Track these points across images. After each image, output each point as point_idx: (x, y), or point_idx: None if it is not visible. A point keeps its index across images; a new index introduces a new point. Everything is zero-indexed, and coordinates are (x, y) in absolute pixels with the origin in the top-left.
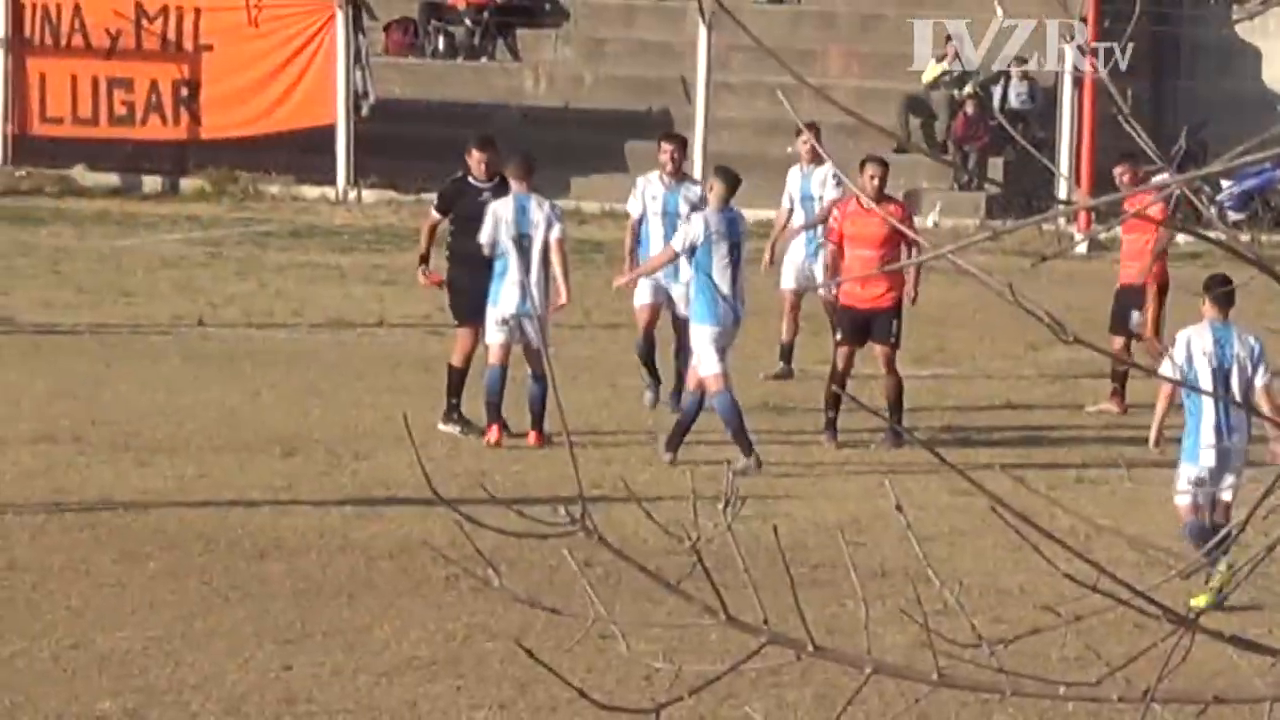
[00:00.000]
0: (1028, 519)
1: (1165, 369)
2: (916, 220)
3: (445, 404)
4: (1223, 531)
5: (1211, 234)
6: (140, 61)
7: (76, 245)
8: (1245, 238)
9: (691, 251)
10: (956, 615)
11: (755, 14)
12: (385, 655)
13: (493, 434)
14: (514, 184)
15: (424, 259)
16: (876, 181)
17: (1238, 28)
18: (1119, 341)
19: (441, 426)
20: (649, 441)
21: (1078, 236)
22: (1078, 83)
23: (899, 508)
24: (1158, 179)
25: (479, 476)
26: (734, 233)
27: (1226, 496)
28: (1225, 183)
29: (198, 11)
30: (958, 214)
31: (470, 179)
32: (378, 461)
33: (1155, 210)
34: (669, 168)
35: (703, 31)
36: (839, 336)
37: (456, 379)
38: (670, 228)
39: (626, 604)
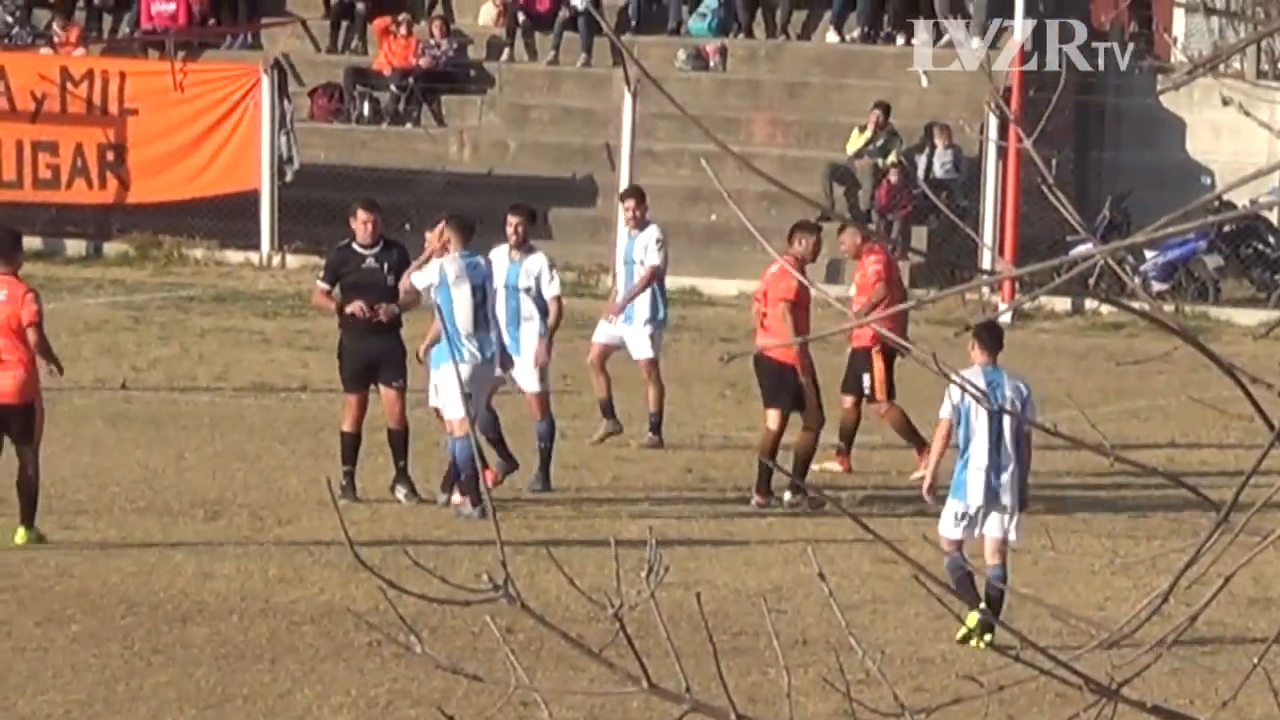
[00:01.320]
0: (949, 588)
1: (945, 411)
2: (837, 289)
3: (341, 473)
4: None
5: (1135, 304)
6: (65, 125)
7: None
8: (1169, 308)
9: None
10: (879, 684)
11: (680, 82)
12: None
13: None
14: (460, 244)
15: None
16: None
17: (1162, 98)
18: (849, 400)
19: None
20: (575, 506)
21: (1002, 306)
22: (1001, 152)
23: (821, 575)
24: (1081, 249)
25: (402, 541)
26: (476, 276)
27: (997, 534)
28: (1149, 253)
29: (123, 75)
30: None
31: (354, 245)
32: (301, 526)
33: (873, 271)
34: (513, 240)
35: (628, 99)
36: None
37: (350, 444)
38: (512, 299)
39: (549, 671)
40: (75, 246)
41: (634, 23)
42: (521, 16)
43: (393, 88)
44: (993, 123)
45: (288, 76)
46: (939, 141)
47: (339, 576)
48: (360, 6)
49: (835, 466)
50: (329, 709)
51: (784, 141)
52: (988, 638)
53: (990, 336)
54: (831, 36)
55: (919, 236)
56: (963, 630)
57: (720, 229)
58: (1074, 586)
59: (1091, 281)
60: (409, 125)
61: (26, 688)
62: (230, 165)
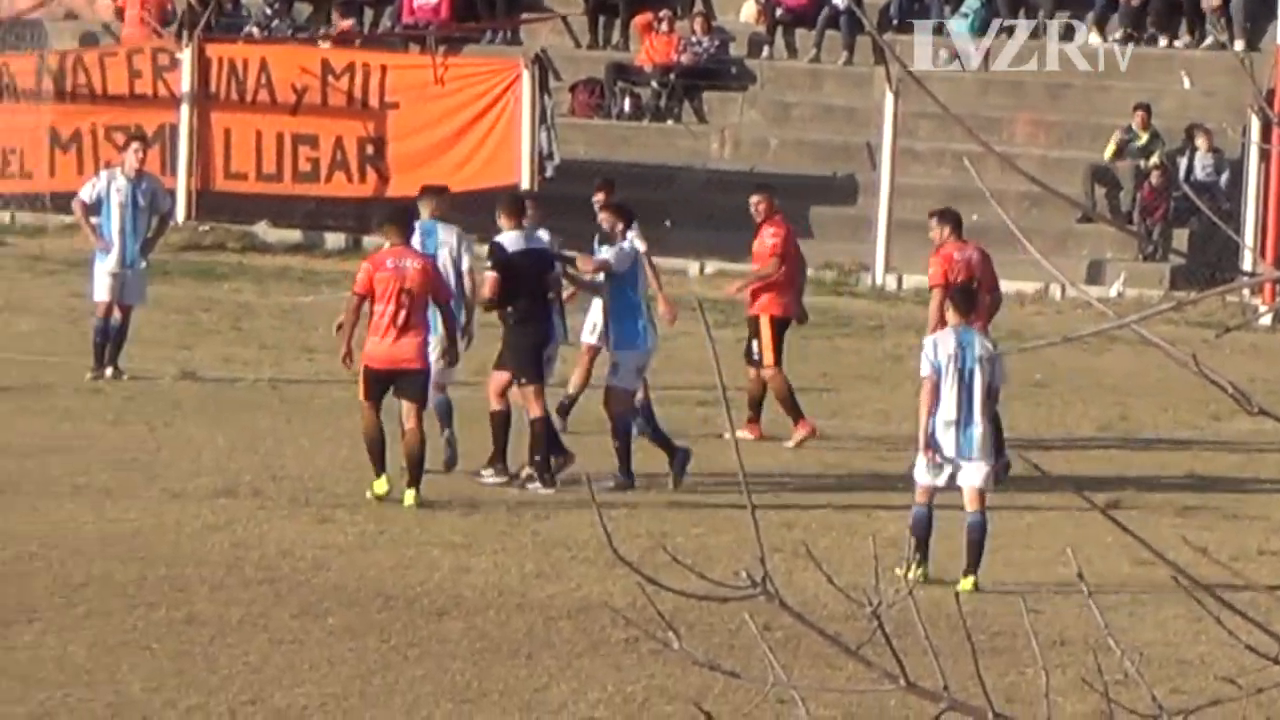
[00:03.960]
0: (1209, 590)
1: (925, 370)
2: (1098, 290)
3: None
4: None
5: None
6: (326, 118)
7: (258, 301)
8: None
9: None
10: (1136, 685)
11: (942, 81)
12: (562, 715)
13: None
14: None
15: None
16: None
17: None
18: (751, 371)
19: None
20: (834, 505)
21: (1262, 309)
22: (1264, 155)
23: (1080, 576)
24: None
25: (660, 538)
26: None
27: (975, 483)
28: None
29: (384, 69)
30: (1142, 284)
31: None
32: (559, 521)
33: (770, 245)
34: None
35: (889, 97)
36: None
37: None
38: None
39: (806, 668)
40: (334, 239)
41: (895, 21)
42: (782, 13)
43: (654, 84)
44: (1255, 125)
45: (548, 72)
46: (1200, 143)
47: (596, 572)
48: (621, 2)
49: (748, 435)
50: (585, 704)
51: (1045, 142)
52: (920, 571)
53: (963, 299)
54: (1094, 38)
55: (1180, 238)
56: (914, 572)
57: (981, 229)
58: None
59: None
60: (670, 122)
61: (282, 680)
62: (490, 160)
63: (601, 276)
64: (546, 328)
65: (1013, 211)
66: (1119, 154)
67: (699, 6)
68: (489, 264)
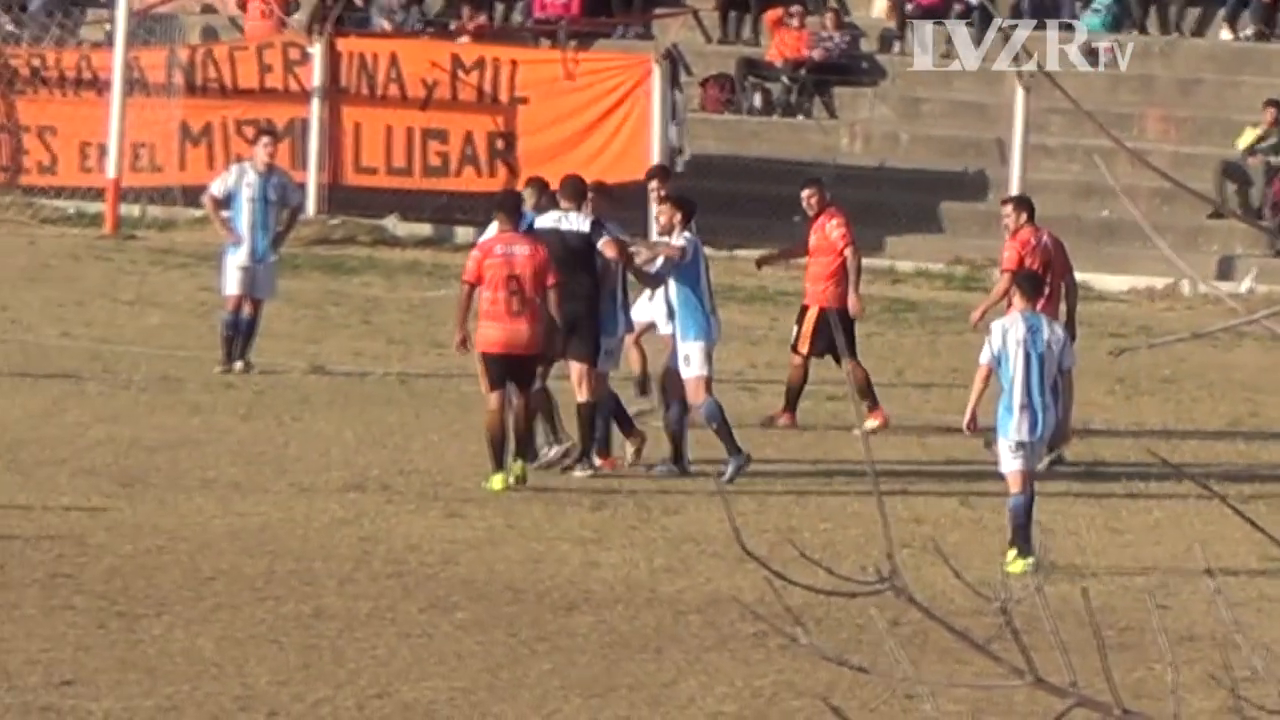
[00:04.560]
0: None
1: (984, 357)
2: (1228, 285)
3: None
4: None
5: None
6: (456, 113)
7: (387, 295)
8: None
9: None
10: (1264, 682)
11: (1073, 77)
12: (691, 710)
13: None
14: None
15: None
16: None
17: None
18: (848, 364)
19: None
20: (962, 500)
21: None
22: None
23: (1209, 571)
24: None
25: (788, 533)
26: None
27: (1032, 466)
28: None
29: (514, 64)
30: (1273, 280)
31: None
32: (688, 516)
33: (839, 235)
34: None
35: (1020, 93)
36: None
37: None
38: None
39: (934, 664)
40: (464, 233)
41: (1027, 17)
42: (913, 8)
43: (785, 79)
44: None
45: (679, 67)
46: None
47: (725, 566)
48: None
49: (874, 422)
50: (713, 699)
51: (1176, 138)
52: (1028, 561)
53: (1031, 284)
54: (1225, 34)
55: None
56: (1017, 566)
57: (1112, 225)
58: None
59: None
60: (800, 117)
61: (410, 674)
62: (621, 155)
63: (659, 265)
64: (570, 307)
65: (1143, 207)
66: (1251, 150)
67: (831, 2)
68: None
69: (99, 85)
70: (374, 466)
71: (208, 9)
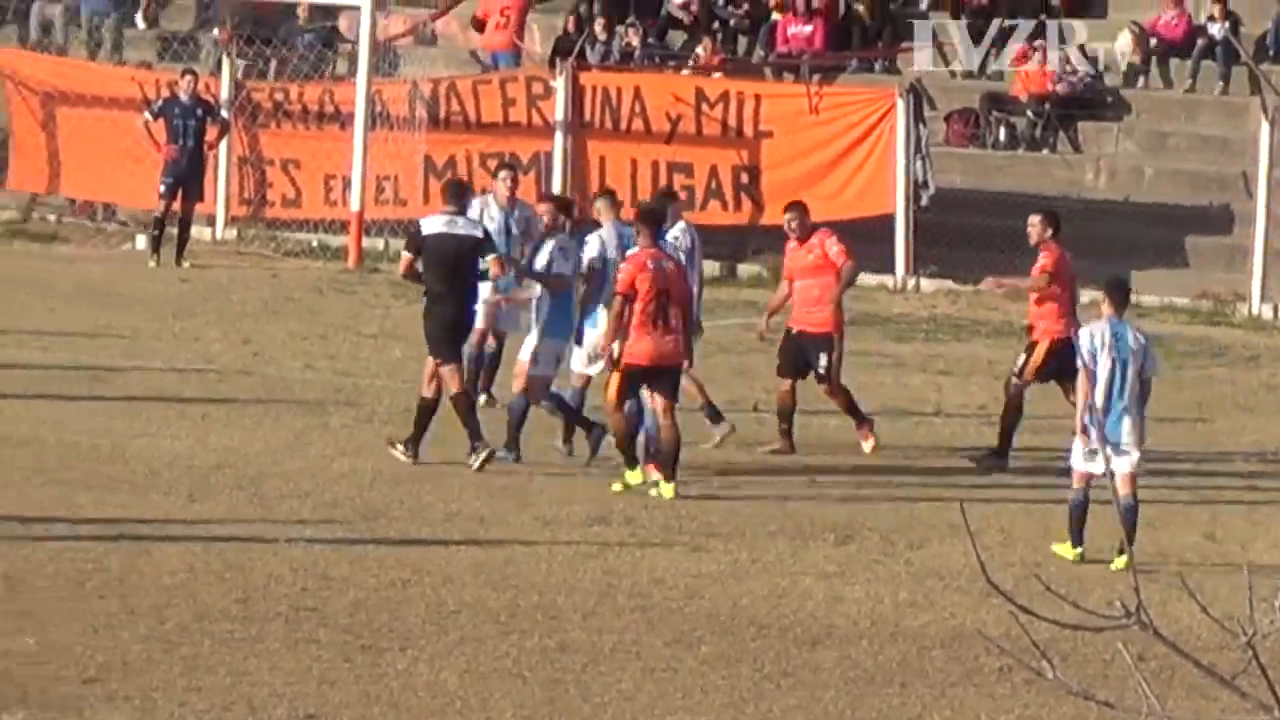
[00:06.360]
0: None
1: (1079, 360)
2: None
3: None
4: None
5: None
6: (700, 147)
7: None
8: None
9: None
10: None
11: None
12: None
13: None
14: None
15: None
16: None
17: None
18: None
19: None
20: (1207, 534)
21: None
22: None
23: None
24: None
25: (1033, 567)
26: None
27: (1127, 469)
28: None
29: (758, 98)
30: None
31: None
32: (932, 550)
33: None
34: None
35: (1265, 127)
36: None
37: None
38: None
39: (1180, 699)
40: (709, 267)
41: (1272, 51)
42: (1157, 44)
43: (1029, 113)
44: None
45: (923, 101)
46: None
47: (969, 601)
48: (997, 32)
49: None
50: None
51: None
52: (1077, 553)
53: (1118, 293)
54: None
55: None
56: (1072, 554)
57: None
58: None
59: None
60: (1045, 151)
61: (655, 709)
62: (865, 189)
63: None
64: (458, 310)
65: None
66: None
67: (1075, 37)
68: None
69: (342, 119)
70: (618, 500)
71: (448, 42)
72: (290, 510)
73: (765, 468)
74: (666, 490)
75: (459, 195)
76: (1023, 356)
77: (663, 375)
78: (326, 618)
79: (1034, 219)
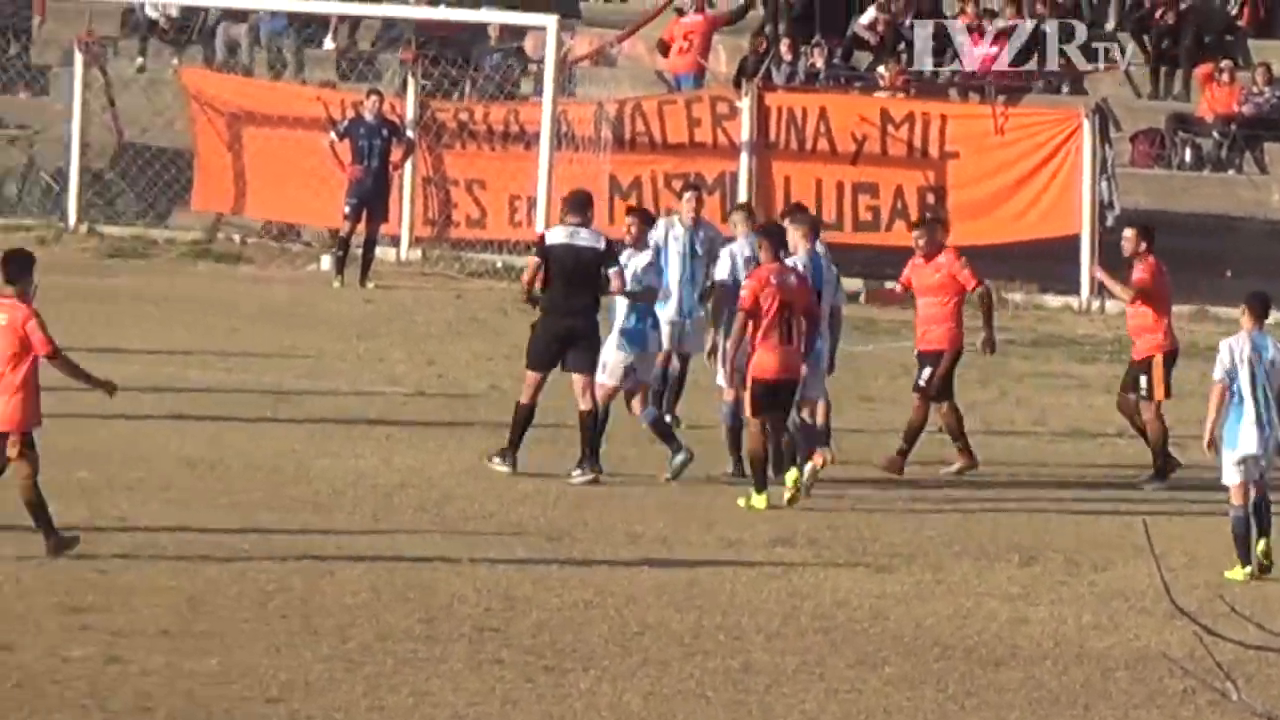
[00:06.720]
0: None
1: (1217, 374)
2: None
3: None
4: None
5: None
6: (886, 167)
7: None
8: None
9: None
10: None
11: None
12: None
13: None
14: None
15: None
16: None
17: None
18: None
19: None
20: None
21: None
22: None
23: None
24: None
25: (1217, 588)
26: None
27: (1257, 476)
28: None
29: (944, 119)
30: None
31: None
32: (1116, 572)
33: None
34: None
35: None
36: None
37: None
38: None
39: None
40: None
41: None
42: None
43: (1215, 134)
44: None
45: (1109, 121)
46: None
47: (1154, 622)
48: (1182, 54)
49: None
50: None
51: None
52: (1246, 571)
53: (1259, 305)
54: None
55: None
56: (1237, 574)
57: None
58: None
59: None
60: (1231, 172)
61: None
62: (1050, 210)
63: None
64: (571, 322)
65: None
66: None
67: (1261, 58)
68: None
69: (527, 139)
70: (801, 521)
71: (634, 63)
72: (473, 531)
73: (949, 484)
74: (758, 500)
75: (582, 208)
76: (1143, 379)
77: (787, 388)
78: (510, 638)
79: (1128, 232)
